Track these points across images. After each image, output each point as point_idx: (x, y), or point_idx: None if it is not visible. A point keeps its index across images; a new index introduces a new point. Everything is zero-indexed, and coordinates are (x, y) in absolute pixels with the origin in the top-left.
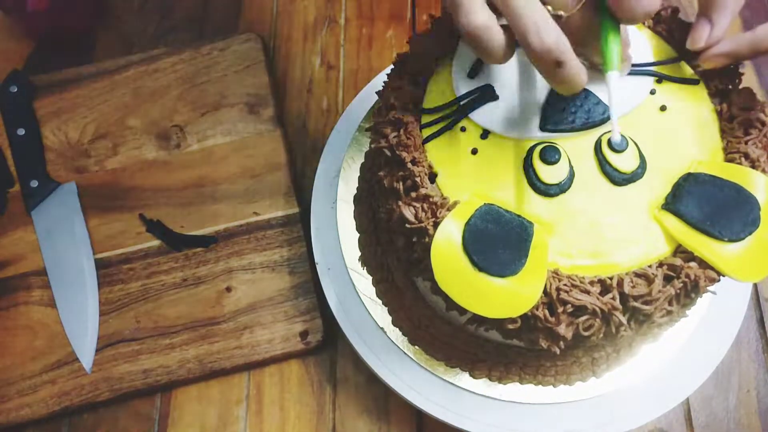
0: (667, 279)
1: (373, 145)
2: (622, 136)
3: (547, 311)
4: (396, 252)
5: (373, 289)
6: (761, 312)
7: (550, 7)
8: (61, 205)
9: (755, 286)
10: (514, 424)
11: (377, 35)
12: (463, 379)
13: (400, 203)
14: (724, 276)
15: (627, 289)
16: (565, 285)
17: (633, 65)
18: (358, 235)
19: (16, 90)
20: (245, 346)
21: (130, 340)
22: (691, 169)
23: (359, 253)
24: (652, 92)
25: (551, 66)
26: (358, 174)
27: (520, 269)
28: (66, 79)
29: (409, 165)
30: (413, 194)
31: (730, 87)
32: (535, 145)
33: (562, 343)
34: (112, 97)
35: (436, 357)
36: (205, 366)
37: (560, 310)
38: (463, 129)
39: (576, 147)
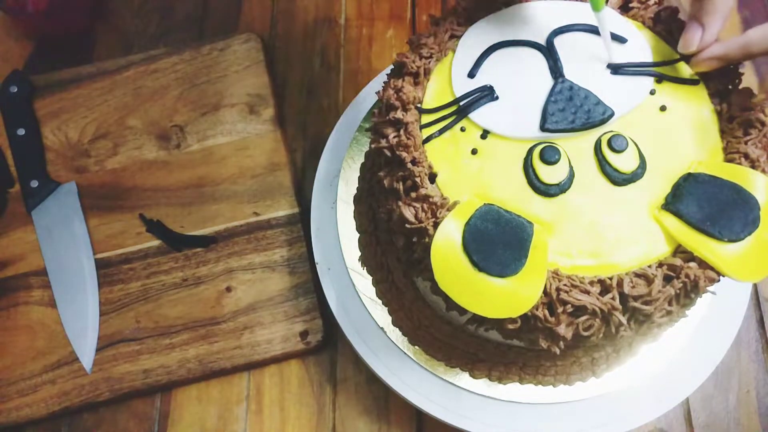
0: (667, 279)
1: (373, 145)
2: (622, 136)
3: (547, 311)
4: (396, 252)
5: (373, 289)
6: (761, 312)
7: None
8: (61, 205)
9: (755, 286)
10: (514, 424)
11: (377, 35)
12: (463, 379)
13: (400, 203)
14: (723, 276)
15: (627, 289)
16: (565, 285)
17: (633, 65)
18: (358, 235)
19: (16, 90)
20: (245, 346)
21: (130, 340)
22: (691, 169)
23: (359, 253)
24: (652, 92)
25: None
26: (358, 174)
27: (520, 269)
28: (66, 79)
29: (409, 165)
30: (413, 194)
31: (730, 87)
32: (535, 145)
33: (562, 343)
34: (112, 97)
35: (436, 357)
36: (205, 366)
37: (560, 310)
38: (463, 129)
39: (576, 147)
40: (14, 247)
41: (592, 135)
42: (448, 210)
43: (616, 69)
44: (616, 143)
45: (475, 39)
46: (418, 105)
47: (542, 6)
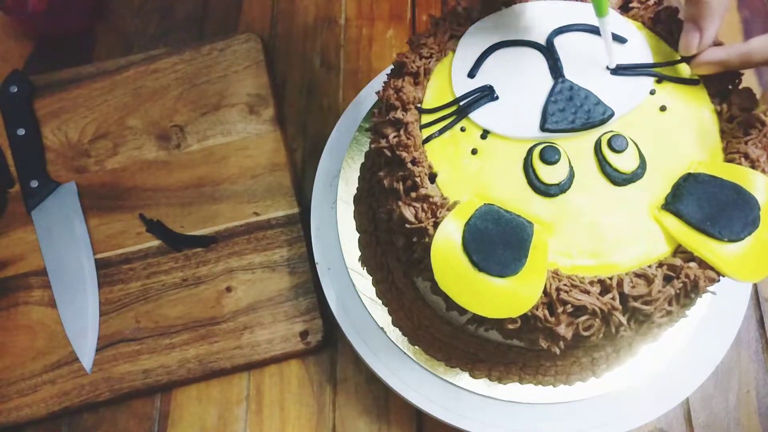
0: (667, 279)
1: (373, 145)
2: (622, 136)
3: (547, 311)
4: (396, 252)
5: (373, 289)
6: (761, 312)
7: None
8: (61, 205)
9: (755, 286)
10: (514, 424)
11: (377, 35)
12: (463, 379)
13: (400, 203)
14: (723, 276)
15: (627, 289)
16: (565, 285)
17: (633, 65)
18: (358, 235)
19: (16, 90)
20: (245, 346)
21: (130, 340)
22: (691, 169)
23: (359, 253)
24: (652, 92)
25: None
26: (358, 174)
27: (520, 269)
28: (66, 79)
29: (409, 165)
30: (413, 194)
31: (730, 87)
32: (535, 145)
33: (562, 343)
34: (112, 97)
35: (436, 357)
36: (205, 366)
37: (560, 310)
38: (462, 129)
39: (576, 147)
40: (14, 247)
41: (592, 135)
42: (448, 210)
43: (616, 69)
44: (616, 143)
45: (475, 39)
46: (418, 105)
47: (542, 6)
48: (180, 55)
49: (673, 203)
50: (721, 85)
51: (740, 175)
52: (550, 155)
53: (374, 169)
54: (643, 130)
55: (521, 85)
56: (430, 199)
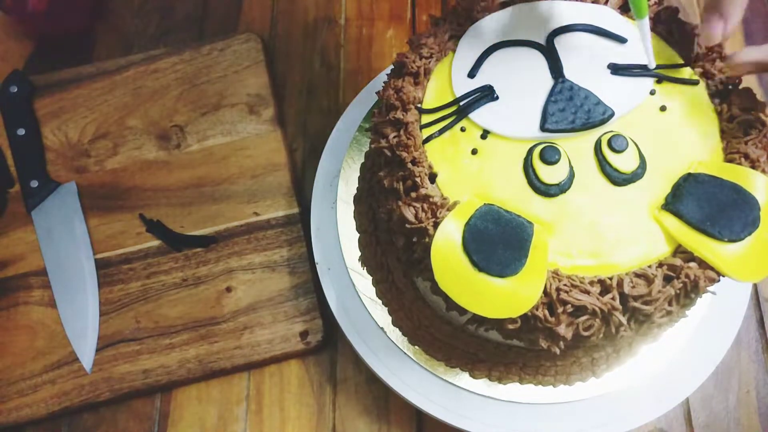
0: (667, 279)
1: (373, 145)
2: (622, 136)
3: (547, 311)
4: (396, 252)
5: (373, 289)
6: (761, 312)
7: None
8: (61, 205)
9: (755, 286)
10: (514, 424)
11: (377, 35)
12: (463, 379)
13: (400, 203)
14: (723, 276)
15: (627, 289)
16: (565, 285)
17: (633, 66)
18: (358, 235)
19: (16, 90)
20: (245, 346)
21: (130, 340)
22: (691, 169)
23: (359, 253)
24: (652, 92)
25: None
26: (358, 174)
27: (520, 269)
28: (66, 79)
29: (409, 165)
30: (413, 194)
31: (730, 87)
32: (535, 146)
33: (562, 343)
34: (112, 97)
35: (436, 357)
36: (205, 366)
37: (560, 310)
38: (463, 129)
39: (576, 147)
40: (14, 247)
41: (592, 135)
42: (448, 210)
43: (616, 69)
44: (616, 143)
45: (475, 39)
46: (418, 105)
47: (542, 6)
48: (180, 55)
49: (673, 203)
50: (721, 84)
51: (740, 175)
52: (550, 155)
53: (374, 169)
54: (643, 130)
55: (521, 85)
56: (430, 199)
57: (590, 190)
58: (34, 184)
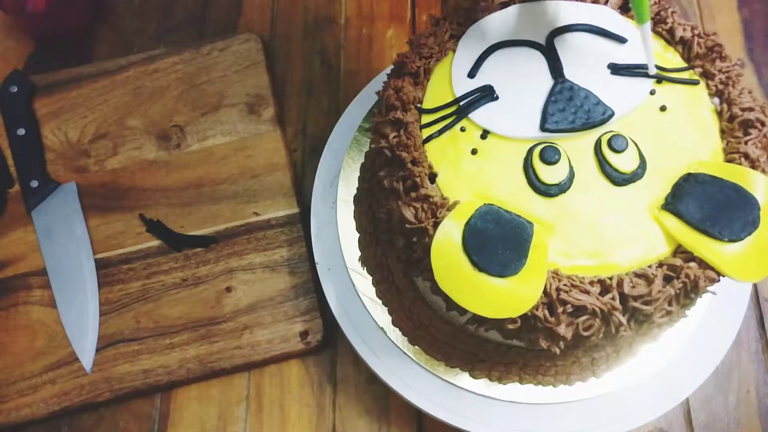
0: (667, 279)
1: (373, 145)
2: (622, 136)
3: (547, 311)
4: (396, 252)
5: (373, 289)
6: (761, 312)
7: None
8: (61, 205)
9: (755, 286)
10: (514, 424)
11: (377, 35)
12: (463, 379)
13: (400, 203)
14: (723, 276)
15: (627, 289)
16: (564, 285)
17: (633, 66)
18: (358, 235)
19: (16, 90)
20: (245, 346)
21: (130, 340)
22: (691, 169)
23: (359, 253)
24: (652, 92)
25: None
26: (358, 174)
27: (520, 269)
28: (66, 79)
29: (409, 165)
30: (413, 194)
31: (730, 87)
32: (535, 145)
33: (561, 343)
34: (112, 97)
35: (436, 357)
36: (205, 366)
37: (560, 310)
38: (463, 129)
39: (576, 147)
40: (14, 247)
41: (592, 135)
42: (448, 210)
43: (616, 69)
44: (616, 143)
45: (475, 39)
46: (418, 105)
47: (542, 6)
48: (180, 55)
49: (673, 203)
50: (722, 84)
51: (740, 175)
52: (550, 155)
53: (374, 169)
54: (643, 130)
55: (521, 85)
56: (430, 199)
57: (590, 190)
58: (34, 184)
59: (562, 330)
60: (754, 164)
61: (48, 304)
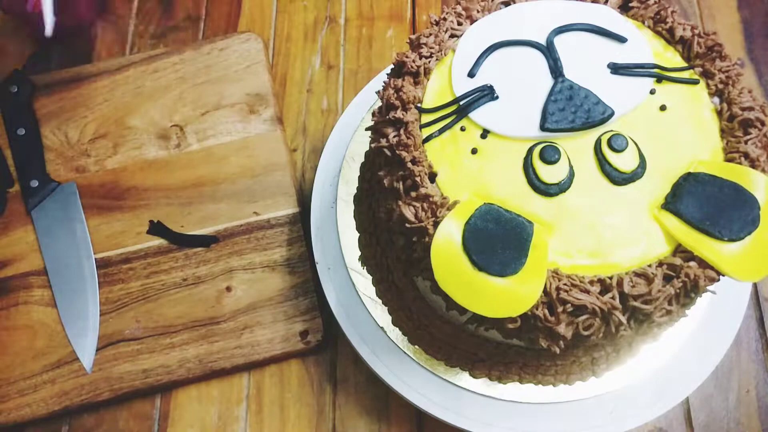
0: (667, 278)
1: (373, 145)
2: (622, 135)
3: (546, 311)
4: (396, 252)
5: (373, 288)
6: (761, 312)
7: None
8: (61, 205)
9: (755, 286)
10: (514, 424)
11: (377, 35)
12: (463, 378)
13: (400, 203)
14: (723, 276)
15: (627, 288)
16: (564, 284)
17: (633, 65)
18: (358, 234)
19: (16, 90)
20: (245, 345)
21: (130, 340)
22: (691, 168)
23: (359, 253)
24: (652, 92)
25: None
26: (358, 174)
27: (520, 269)
28: (66, 79)
29: (409, 165)
30: (413, 194)
31: (730, 87)
32: (534, 145)
33: (561, 342)
34: (112, 97)
35: (436, 357)
36: (205, 366)
37: (560, 309)
38: (463, 128)
39: (576, 147)
40: (14, 247)
41: (592, 134)
42: (448, 209)
43: (616, 68)
44: (616, 143)
45: (475, 38)
46: (418, 104)
47: (542, 6)
48: (180, 54)
49: (673, 203)
50: (722, 84)
51: (740, 174)
52: (550, 155)
53: (374, 168)
54: (643, 129)
55: (521, 85)
56: (430, 199)
57: (590, 190)
58: (34, 184)
59: (562, 329)
60: (754, 164)
61: (48, 303)
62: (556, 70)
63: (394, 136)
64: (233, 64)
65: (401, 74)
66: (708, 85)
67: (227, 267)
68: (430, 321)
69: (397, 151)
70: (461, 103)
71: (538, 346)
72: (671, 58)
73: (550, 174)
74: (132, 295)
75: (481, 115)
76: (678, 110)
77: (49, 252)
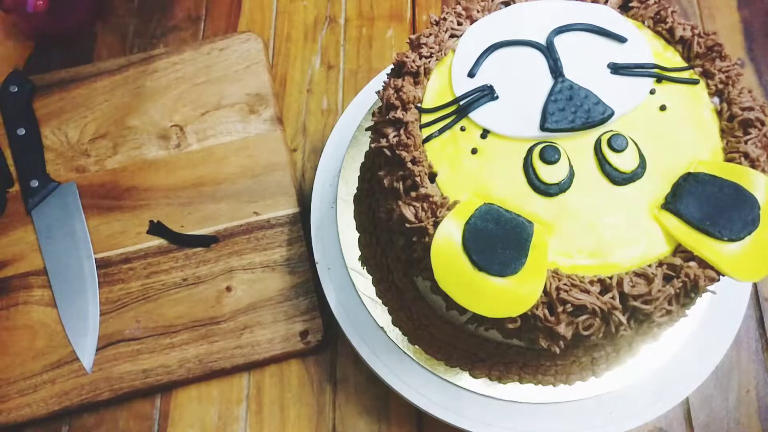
0: (667, 278)
1: (373, 145)
2: (622, 135)
3: (546, 311)
4: (396, 252)
5: (373, 288)
6: (761, 312)
7: None
8: (61, 205)
9: (755, 285)
10: (514, 424)
11: (377, 35)
12: (463, 378)
13: (400, 203)
14: (723, 275)
15: (627, 288)
16: (564, 284)
17: (633, 65)
18: (358, 234)
19: (16, 90)
20: (245, 345)
21: (130, 340)
22: (691, 168)
23: (359, 253)
24: (652, 92)
25: None
26: (358, 174)
27: (520, 269)
28: (66, 79)
29: (409, 165)
30: (413, 194)
31: (730, 87)
32: (534, 145)
33: (561, 342)
34: (112, 97)
35: (436, 357)
36: (205, 366)
37: (560, 309)
38: (462, 128)
39: (576, 146)
40: (14, 247)
41: (592, 134)
42: (448, 209)
43: (616, 68)
44: (616, 143)
45: (475, 38)
46: (418, 104)
47: (542, 6)
48: (180, 55)
49: (673, 203)
50: (722, 84)
51: (740, 174)
52: (550, 155)
53: (374, 168)
54: (643, 129)
55: (521, 85)
56: (430, 199)
57: (590, 190)
58: (34, 184)
59: (562, 329)
60: (753, 164)
61: (48, 303)
62: (556, 70)
63: (394, 136)
64: (233, 64)
65: (401, 74)
66: (708, 85)
67: (227, 267)
68: (430, 321)
69: (397, 151)
70: (461, 103)
71: (538, 346)
72: (671, 58)
73: (550, 174)
74: (132, 295)
75: (481, 115)
76: (678, 110)
77: (49, 252)
